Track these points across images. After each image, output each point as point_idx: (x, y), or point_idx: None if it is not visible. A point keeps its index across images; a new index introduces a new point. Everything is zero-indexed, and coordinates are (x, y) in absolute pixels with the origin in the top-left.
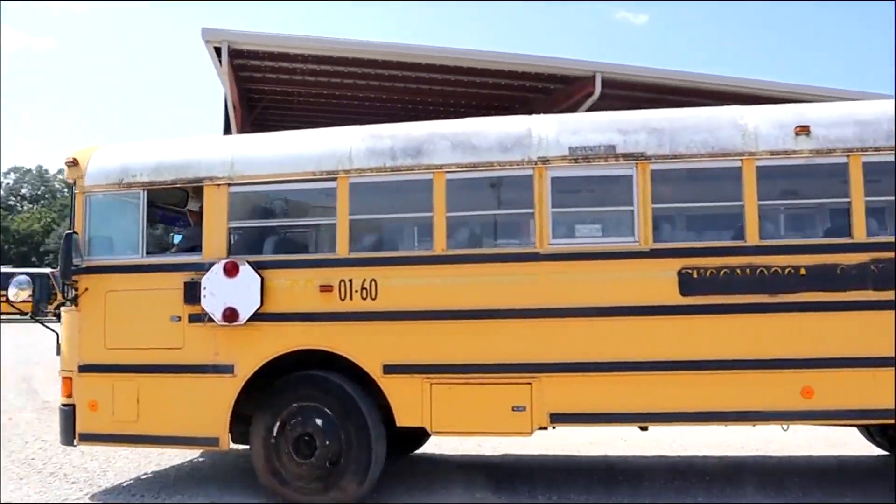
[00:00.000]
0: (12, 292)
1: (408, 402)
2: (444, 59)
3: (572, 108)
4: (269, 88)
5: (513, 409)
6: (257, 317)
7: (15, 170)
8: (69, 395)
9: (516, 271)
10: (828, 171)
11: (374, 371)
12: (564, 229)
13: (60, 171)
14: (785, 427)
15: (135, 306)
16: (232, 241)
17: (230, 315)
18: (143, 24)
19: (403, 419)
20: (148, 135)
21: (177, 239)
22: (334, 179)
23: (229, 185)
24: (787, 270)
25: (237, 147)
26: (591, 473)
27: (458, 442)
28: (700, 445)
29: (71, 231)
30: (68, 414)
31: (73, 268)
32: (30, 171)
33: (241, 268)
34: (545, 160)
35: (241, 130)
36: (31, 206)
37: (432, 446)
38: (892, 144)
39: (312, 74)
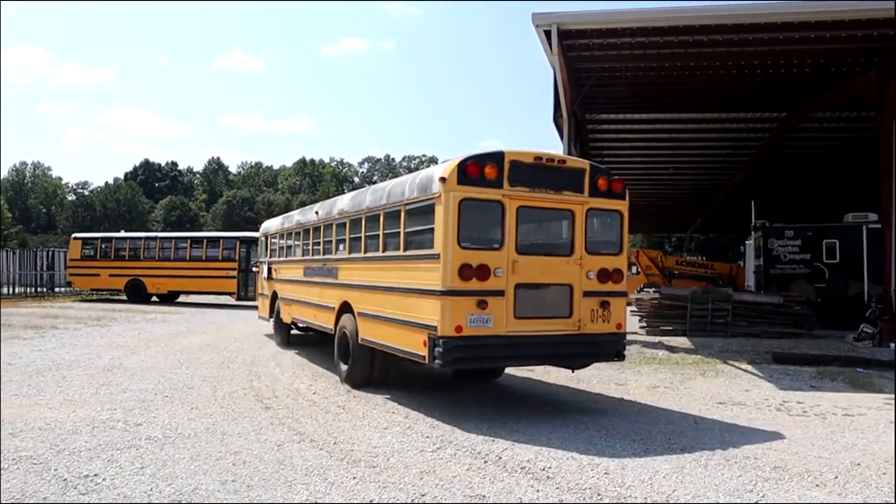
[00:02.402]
0: (256, 270)
1: (284, 310)
2: (781, 16)
3: None
4: (597, 66)
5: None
6: (269, 279)
7: (368, 160)
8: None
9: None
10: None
11: (278, 299)
12: (276, 255)
13: (405, 158)
14: None
15: (259, 275)
16: (270, 254)
17: (266, 277)
18: (470, 17)
19: (284, 318)
20: (479, 121)
21: None
22: (276, 235)
23: (267, 236)
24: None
25: (271, 223)
26: None
27: None
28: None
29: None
30: (259, 309)
31: (254, 261)
32: (379, 160)
33: (268, 262)
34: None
35: (570, 109)
36: None
37: None
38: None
39: (641, 48)
